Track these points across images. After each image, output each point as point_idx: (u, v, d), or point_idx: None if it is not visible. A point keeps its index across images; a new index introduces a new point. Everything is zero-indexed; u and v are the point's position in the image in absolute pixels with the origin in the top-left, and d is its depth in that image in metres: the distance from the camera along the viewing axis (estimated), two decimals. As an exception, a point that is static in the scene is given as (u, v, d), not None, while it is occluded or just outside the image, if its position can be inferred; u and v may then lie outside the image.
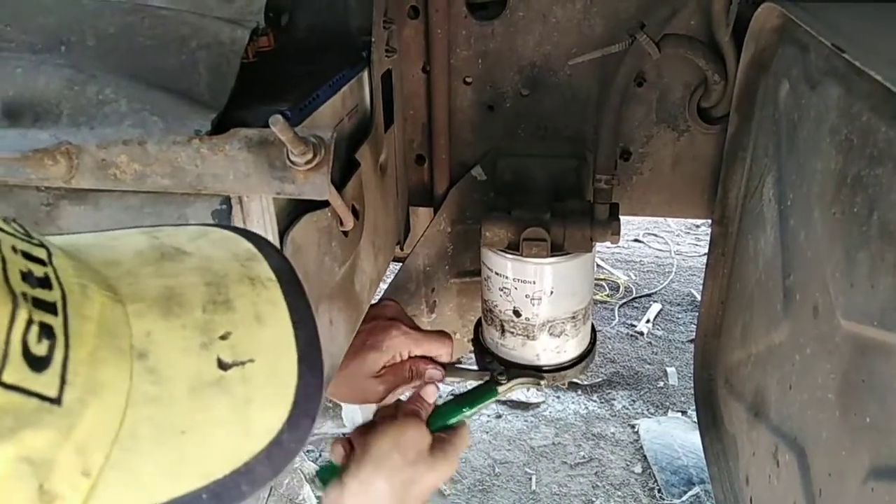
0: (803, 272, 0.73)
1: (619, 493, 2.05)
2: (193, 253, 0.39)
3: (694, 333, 1.16)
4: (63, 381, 0.29)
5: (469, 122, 1.11)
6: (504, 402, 2.34)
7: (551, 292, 0.98)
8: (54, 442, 0.29)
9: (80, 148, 0.63)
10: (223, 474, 0.33)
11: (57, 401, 0.29)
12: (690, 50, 0.98)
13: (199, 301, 0.36)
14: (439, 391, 0.94)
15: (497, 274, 1.00)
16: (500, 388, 0.95)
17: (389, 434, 0.80)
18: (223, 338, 0.35)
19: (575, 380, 2.32)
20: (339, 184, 0.75)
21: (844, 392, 0.61)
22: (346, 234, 0.78)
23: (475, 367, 0.98)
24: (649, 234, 3.47)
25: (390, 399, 0.92)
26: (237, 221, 0.64)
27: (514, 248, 0.96)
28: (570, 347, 1.05)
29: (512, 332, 1.03)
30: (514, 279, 0.99)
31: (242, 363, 0.35)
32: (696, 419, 1.16)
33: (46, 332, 0.29)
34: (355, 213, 0.78)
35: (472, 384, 0.99)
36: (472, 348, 1.12)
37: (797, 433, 0.72)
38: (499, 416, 2.31)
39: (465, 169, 1.13)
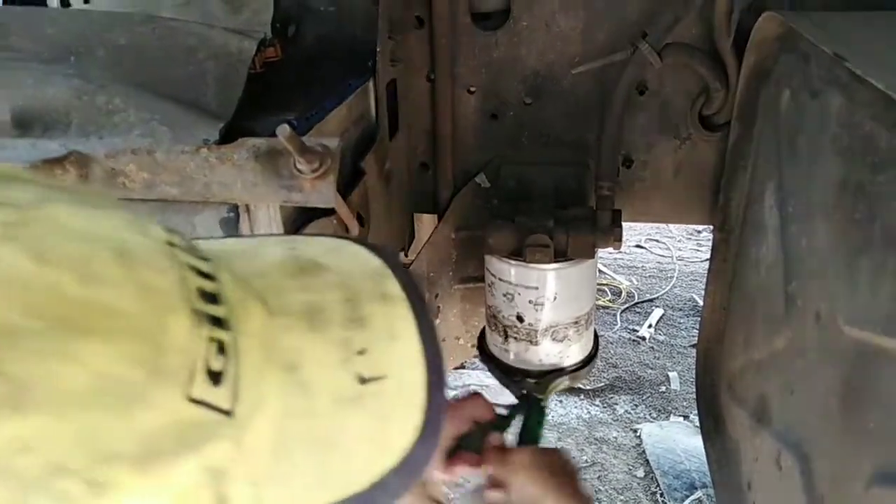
0: (805, 279, 0.73)
1: (622, 497, 2.04)
2: (331, 268, 0.41)
3: (695, 338, 1.16)
4: (235, 396, 0.31)
5: (473, 130, 1.12)
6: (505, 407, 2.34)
7: (554, 298, 0.99)
8: (229, 453, 0.30)
9: (90, 157, 0.64)
10: (363, 487, 0.34)
11: (230, 413, 0.30)
12: (692, 59, 0.98)
13: (339, 317, 0.37)
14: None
15: (500, 280, 1.01)
16: (545, 403, 0.95)
17: (524, 472, 0.78)
18: (361, 353, 0.36)
19: (577, 384, 2.32)
20: (345, 191, 0.76)
21: (846, 398, 0.61)
22: (351, 241, 0.79)
23: (510, 406, 0.98)
24: (651, 239, 3.47)
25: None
26: (245, 229, 0.65)
27: (517, 254, 0.97)
28: (573, 352, 1.05)
29: (515, 338, 1.03)
30: (517, 285, 0.99)
31: (378, 378, 0.36)
32: (697, 424, 1.16)
33: (221, 348, 0.31)
34: (360, 220, 0.79)
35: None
36: (478, 354, 1.13)
37: (800, 438, 0.72)
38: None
39: (468, 176, 1.14)
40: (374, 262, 0.42)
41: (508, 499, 0.80)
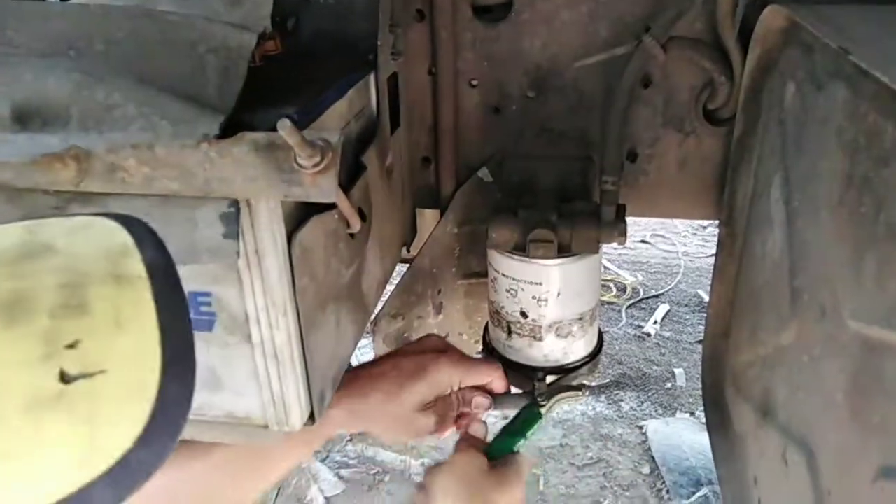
0: (811, 273, 0.72)
1: (627, 494, 2.04)
2: (61, 250, 0.36)
3: (701, 334, 1.16)
4: None
5: (475, 124, 1.11)
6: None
7: (558, 293, 0.98)
8: None
9: (89, 152, 0.64)
10: (52, 503, 0.30)
11: None
12: (696, 52, 0.98)
13: (48, 305, 0.33)
14: (486, 428, 0.91)
15: (504, 275, 1.00)
16: (543, 411, 0.93)
17: (446, 472, 0.78)
18: (71, 346, 0.32)
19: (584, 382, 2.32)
20: (346, 186, 0.75)
21: (853, 392, 0.61)
22: (352, 236, 0.79)
23: (519, 393, 0.96)
24: (656, 235, 3.46)
25: (444, 433, 0.89)
26: (245, 224, 0.65)
27: (520, 249, 0.97)
28: (577, 349, 1.05)
29: (519, 334, 1.03)
30: (520, 280, 0.99)
31: (91, 375, 0.32)
32: (704, 420, 1.16)
33: None
34: (362, 215, 0.79)
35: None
36: (481, 350, 1.12)
37: (806, 434, 0.72)
38: (506, 418, 2.30)
39: (471, 171, 1.13)
40: (121, 238, 0.37)
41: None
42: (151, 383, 0.33)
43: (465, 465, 0.79)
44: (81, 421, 0.31)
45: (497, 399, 0.92)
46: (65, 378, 0.31)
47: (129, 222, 0.39)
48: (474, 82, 1.09)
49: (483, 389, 0.92)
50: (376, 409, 0.83)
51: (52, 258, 0.35)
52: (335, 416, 0.81)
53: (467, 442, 0.86)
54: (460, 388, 0.89)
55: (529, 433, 0.90)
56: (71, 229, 0.38)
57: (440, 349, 0.90)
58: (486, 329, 1.13)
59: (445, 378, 0.86)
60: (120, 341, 0.33)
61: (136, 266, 0.36)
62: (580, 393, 1.00)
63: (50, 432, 0.31)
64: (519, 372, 1.03)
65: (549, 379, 1.01)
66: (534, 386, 0.97)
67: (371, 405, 0.83)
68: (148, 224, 0.40)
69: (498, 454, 0.87)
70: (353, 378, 0.85)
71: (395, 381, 0.84)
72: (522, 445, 0.89)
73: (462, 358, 0.90)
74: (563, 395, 0.98)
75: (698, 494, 1.99)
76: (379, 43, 0.86)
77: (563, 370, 1.05)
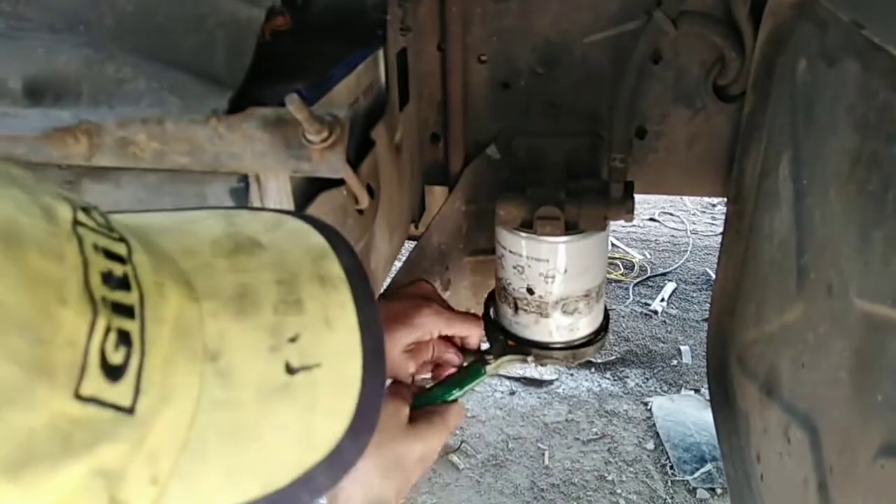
0: (818, 251, 0.72)
1: (632, 469, 2.06)
2: (268, 246, 0.38)
3: (708, 312, 1.16)
4: (137, 390, 0.28)
5: (484, 100, 1.11)
6: (517, 379, 2.36)
7: (565, 270, 0.99)
8: (127, 453, 0.28)
9: (100, 126, 0.64)
10: (284, 483, 0.32)
11: (130, 410, 0.28)
12: (707, 27, 0.97)
13: (271, 300, 0.35)
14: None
15: (511, 252, 1.01)
16: (487, 368, 0.95)
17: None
18: (292, 340, 0.34)
19: (588, 358, 2.33)
20: (355, 162, 0.75)
21: (857, 370, 0.61)
22: (361, 212, 0.79)
23: (474, 351, 0.98)
24: (665, 213, 3.45)
25: (419, 377, 0.91)
26: (254, 200, 0.65)
27: (527, 226, 0.97)
28: (583, 325, 1.05)
29: (525, 310, 1.03)
30: (527, 257, 0.99)
31: (309, 368, 0.34)
32: (708, 397, 1.17)
33: (123, 338, 0.28)
34: (370, 191, 0.79)
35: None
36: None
37: (809, 411, 0.72)
38: (512, 393, 2.32)
39: (479, 147, 1.13)
40: (317, 240, 0.40)
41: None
42: (356, 379, 0.35)
43: (388, 414, 0.80)
44: (304, 410, 0.34)
45: (481, 355, 0.94)
46: (290, 369, 0.34)
47: (316, 224, 0.42)
48: (483, 58, 1.08)
49: (460, 346, 0.94)
50: None
51: (263, 254, 0.38)
52: None
53: (392, 394, 0.87)
54: (440, 338, 0.91)
55: (468, 386, 0.91)
56: (266, 226, 0.41)
57: (427, 295, 0.92)
58: (486, 304, 1.14)
59: (427, 326, 0.87)
60: (330, 339, 0.36)
61: (335, 268, 0.39)
62: (527, 359, 1.01)
63: (280, 418, 0.33)
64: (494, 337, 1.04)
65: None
66: (493, 348, 0.99)
67: None
68: (336, 228, 0.42)
69: (425, 403, 0.87)
70: None
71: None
72: (458, 396, 0.90)
73: (445, 309, 0.92)
74: (508, 356, 0.99)
75: (702, 470, 2.00)
76: (388, 18, 0.86)
77: (570, 347, 1.05)
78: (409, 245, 1.19)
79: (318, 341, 0.35)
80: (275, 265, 0.37)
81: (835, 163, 0.68)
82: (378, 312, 0.38)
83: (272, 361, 0.34)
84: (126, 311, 0.29)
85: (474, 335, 0.92)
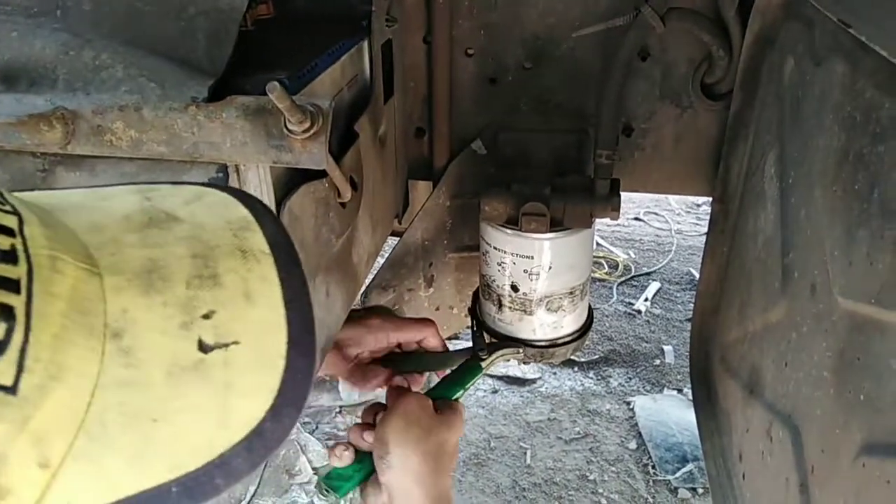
0: (802, 250, 0.72)
1: (614, 468, 2.06)
2: (184, 219, 0.36)
3: (692, 312, 1.16)
4: (20, 368, 0.27)
5: (470, 94, 1.10)
6: (500, 378, 2.35)
7: (550, 268, 0.98)
8: (7, 435, 0.26)
9: (76, 113, 0.63)
10: (195, 466, 0.31)
11: (12, 390, 0.26)
12: (695, 24, 0.96)
13: (184, 275, 0.33)
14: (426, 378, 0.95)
15: (495, 249, 1.00)
16: (484, 364, 0.95)
17: (395, 416, 0.79)
18: (206, 317, 0.33)
19: (571, 356, 2.33)
20: (338, 155, 0.74)
21: (840, 370, 0.61)
22: (343, 205, 0.78)
23: (461, 349, 0.98)
24: (650, 212, 3.46)
25: (373, 387, 0.92)
26: (234, 190, 0.64)
27: (513, 222, 0.96)
28: (567, 323, 1.05)
29: (509, 307, 1.03)
30: (512, 254, 0.98)
31: (226, 345, 0.33)
32: (691, 397, 1.17)
33: (5, 313, 0.27)
34: (353, 184, 0.78)
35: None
36: (470, 322, 1.13)
37: (791, 410, 0.72)
38: (495, 392, 2.32)
39: (465, 142, 1.12)
40: (240, 212, 0.38)
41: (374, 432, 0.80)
42: (280, 357, 0.34)
43: (414, 407, 0.81)
44: (219, 389, 0.32)
45: (440, 357, 0.94)
46: (203, 347, 0.32)
47: (240, 195, 0.40)
48: (470, 51, 1.07)
49: (419, 347, 0.94)
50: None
51: (178, 227, 0.36)
52: None
53: (397, 391, 0.88)
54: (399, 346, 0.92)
55: (468, 384, 0.92)
56: (186, 198, 0.39)
57: (375, 310, 0.94)
58: (473, 301, 1.13)
59: (375, 335, 0.89)
60: (250, 314, 0.34)
61: (259, 241, 0.37)
62: (518, 350, 1.01)
63: (191, 399, 0.31)
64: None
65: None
66: (477, 346, 0.98)
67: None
68: (260, 200, 0.40)
69: (438, 400, 0.89)
70: None
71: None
72: (461, 395, 0.90)
73: (392, 317, 0.93)
74: (503, 351, 0.99)
75: (683, 470, 2.01)
76: (373, 9, 0.85)
77: (554, 345, 1.05)
78: (393, 241, 1.18)
79: (237, 317, 0.34)
80: (190, 238, 0.35)
81: (821, 162, 0.68)
82: (306, 286, 0.36)
83: (183, 339, 0.32)
84: (10, 284, 0.27)
85: (429, 336, 0.93)
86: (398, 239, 1.17)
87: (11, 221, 0.29)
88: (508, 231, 0.97)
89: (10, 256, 0.28)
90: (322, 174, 0.70)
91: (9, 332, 0.27)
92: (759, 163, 0.91)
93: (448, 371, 0.94)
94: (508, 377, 2.36)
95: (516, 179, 0.99)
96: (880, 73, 0.57)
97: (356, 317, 0.90)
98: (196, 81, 0.63)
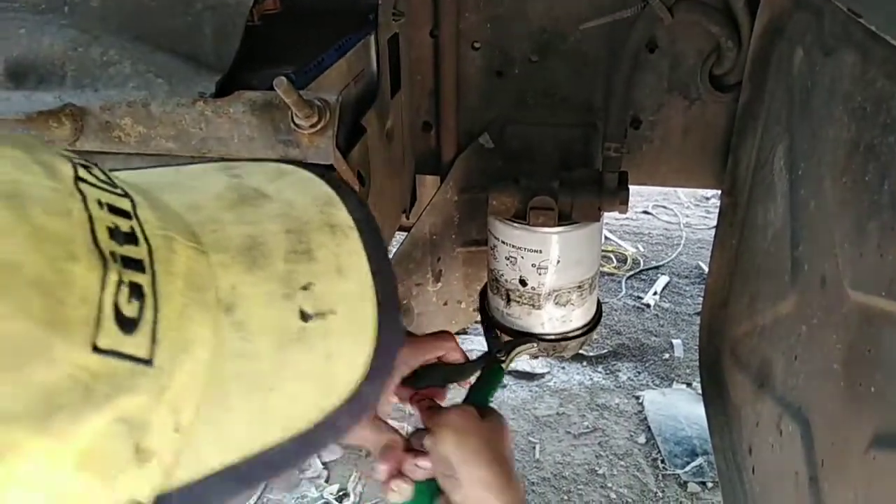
0: (812, 243, 0.72)
1: (623, 462, 2.06)
2: (273, 197, 0.39)
3: (701, 305, 1.15)
4: (154, 341, 0.29)
5: (477, 88, 1.10)
6: (509, 373, 2.35)
7: (558, 262, 0.98)
8: (148, 404, 0.29)
9: (85, 110, 0.63)
10: (307, 427, 0.33)
11: (149, 362, 0.28)
12: (704, 15, 0.96)
13: (281, 251, 0.36)
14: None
15: (504, 243, 1.00)
16: (504, 365, 0.94)
17: (447, 432, 0.77)
18: (305, 288, 0.35)
19: (580, 351, 2.33)
20: (345, 149, 0.74)
21: (850, 362, 0.61)
22: (351, 200, 0.78)
23: (479, 357, 0.97)
24: (658, 206, 3.44)
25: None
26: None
27: (521, 216, 0.96)
28: (576, 317, 1.04)
29: (518, 302, 1.03)
30: (520, 248, 0.98)
31: (323, 315, 0.35)
32: (700, 391, 1.16)
33: (136, 291, 0.28)
34: (361, 179, 0.78)
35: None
36: (480, 318, 1.12)
37: (801, 403, 0.72)
38: (504, 386, 2.32)
39: (472, 136, 1.12)
40: (323, 189, 0.40)
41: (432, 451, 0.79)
42: (371, 324, 0.36)
43: (461, 419, 0.79)
44: (321, 356, 0.34)
45: (460, 368, 0.92)
46: (304, 316, 0.34)
47: (319, 172, 0.42)
48: (477, 45, 1.07)
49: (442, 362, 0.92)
50: None
51: (269, 204, 0.38)
52: None
53: (430, 410, 0.87)
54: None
55: (496, 389, 0.91)
56: (269, 176, 0.41)
57: None
58: (482, 296, 1.13)
59: (401, 367, 0.85)
60: (342, 286, 0.36)
61: (344, 216, 0.39)
62: (534, 344, 1.01)
63: (296, 365, 0.34)
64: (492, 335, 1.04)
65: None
66: (490, 345, 0.98)
67: None
68: (339, 177, 0.42)
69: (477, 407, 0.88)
70: None
71: None
72: (492, 400, 0.90)
73: (408, 339, 0.90)
74: (520, 348, 0.98)
75: (693, 464, 2.00)
76: (380, 3, 0.85)
77: (564, 339, 1.05)
78: (401, 236, 1.18)
79: (331, 289, 0.36)
80: (282, 215, 0.37)
81: (831, 153, 0.67)
82: (388, 258, 0.39)
83: (286, 310, 0.34)
84: (136, 264, 0.29)
85: (449, 349, 0.91)
86: (406, 234, 1.17)
87: (126, 204, 0.31)
88: (516, 225, 0.97)
89: (131, 238, 0.29)
90: (329, 168, 0.70)
91: (141, 309, 0.29)
92: (768, 155, 0.90)
93: (469, 379, 0.92)
94: (517, 372, 2.35)
95: (524, 173, 0.98)
96: (891, 63, 0.57)
97: None
98: (203, 77, 0.63)
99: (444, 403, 0.89)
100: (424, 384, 0.89)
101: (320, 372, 0.34)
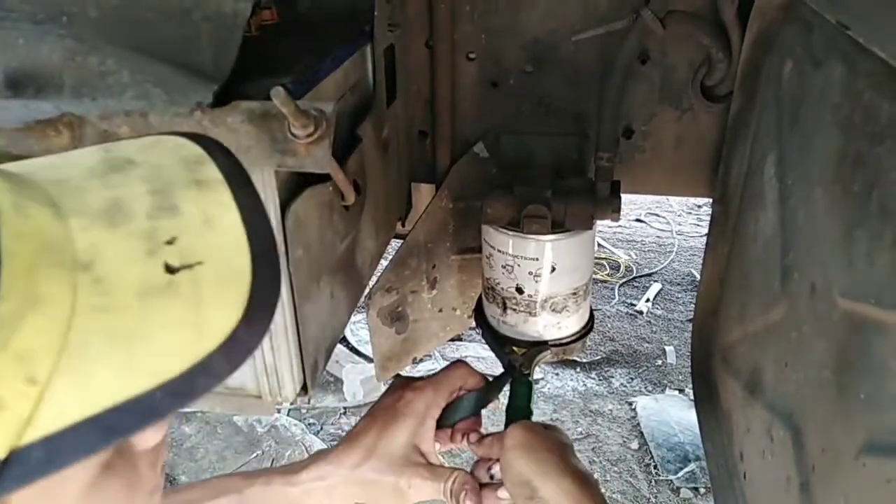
0: (802, 251, 0.73)
1: (616, 468, 2.07)
2: (141, 163, 0.39)
3: (693, 313, 1.16)
4: None
5: (472, 98, 1.11)
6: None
7: (553, 269, 0.99)
8: None
9: (83, 119, 0.63)
10: (177, 373, 0.33)
11: None
12: (695, 27, 0.97)
13: (144, 209, 0.36)
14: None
15: (499, 251, 1.01)
16: (532, 378, 0.95)
17: (516, 453, 0.77)
18: (169, 242, 0.35)
19: (573, 357, 2.33)
20: (341, 158, 0.75)
21: (840, 369, 0.62)
22: (347, 208, 0.79)
23: (500, 375, 0.97)
24: (651, 213, 3.47)
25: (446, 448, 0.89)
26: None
27: (515, 224, 0.97)
28: (571, 323, 1.05)
29: (514, 309, 1.03)
30: (516, 256, 0.99)
31: (191, 266, 0.35)
32: (692, 397, 1.17)
33: None
34: (357, 187, 0.79)
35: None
36: (475, 325, 1.13)
37: (792, 410, 0.73)
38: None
39: (467, 145, 1.13)
40: (193, 150, 0.41)
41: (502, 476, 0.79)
42: (245, 271, 0.36)
43: (524, 437, 0.78)
44: (190, 304, 0.35)
45: (483, 392, 0.91)
46: (169, 269, 0.35)
47: (193, 136, 0.42)
48: (472, 55, 1.08)
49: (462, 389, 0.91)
50: (367, 469, 0.82)
51: (136, 169, 0.39)
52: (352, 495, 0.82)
53: (479, 441, 0.86)
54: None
55: (532, 402, 0.92)
56: (143, 146, 0.42)
57: (403, 384, 0.89)
58: (478, 304, 1.14)
59: (420, 407, 0.85)
60: (211, 237, 0.37)
61: (212, 172, 0.39)
62: (549, 350, 1.02)
63: (166, 314, 0.34)
64: (501, 349, 1.04)
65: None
66: (510, 363, 0.98)
67: (363, 469, 0.82)
68: (212, 138, 0.43)
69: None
70: (343, 451, 0.83)
71: (374, 434, 0.84)
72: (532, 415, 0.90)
73: (425, 382, 0.88)
74: (539, 357, 0.99)
75: (685, 470, 2.01)
76: (376, 14, 0.86)
77: (559, 345, 1.06)
78: (397, 244, 1.18)
79: (198, 241, 0.36)
80: (148, 178, 0.38)
81: (820, 163, 0.69)
82: (262, 208, 0.39)
83: (150, 264, 0.35)
84: None
85: (467, 379, 0.90)
86: (401, 241, 1.18)
87: None
88: (511, 233, 0.98)
89: None
90: (326, 178, 0.70)
91: None
92: (758, 164, 0.91)
93: (493, 400, 0.91)
94: (511, 378, 2.36)
95: (518, 182, 0.99)
96: (878, 75, 0.58)
97: (390, 411, 0.85)
98: (201, 86, 0.64)
99: (483, 430, 0.88)
100: (458, 418, 0.88)
101: (191, 319, 0.34)
